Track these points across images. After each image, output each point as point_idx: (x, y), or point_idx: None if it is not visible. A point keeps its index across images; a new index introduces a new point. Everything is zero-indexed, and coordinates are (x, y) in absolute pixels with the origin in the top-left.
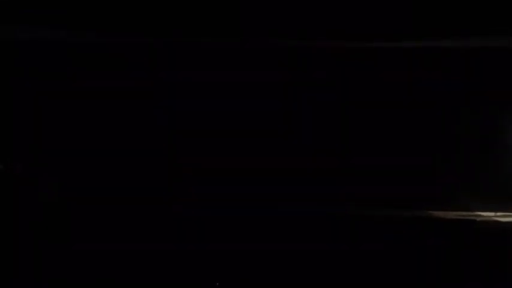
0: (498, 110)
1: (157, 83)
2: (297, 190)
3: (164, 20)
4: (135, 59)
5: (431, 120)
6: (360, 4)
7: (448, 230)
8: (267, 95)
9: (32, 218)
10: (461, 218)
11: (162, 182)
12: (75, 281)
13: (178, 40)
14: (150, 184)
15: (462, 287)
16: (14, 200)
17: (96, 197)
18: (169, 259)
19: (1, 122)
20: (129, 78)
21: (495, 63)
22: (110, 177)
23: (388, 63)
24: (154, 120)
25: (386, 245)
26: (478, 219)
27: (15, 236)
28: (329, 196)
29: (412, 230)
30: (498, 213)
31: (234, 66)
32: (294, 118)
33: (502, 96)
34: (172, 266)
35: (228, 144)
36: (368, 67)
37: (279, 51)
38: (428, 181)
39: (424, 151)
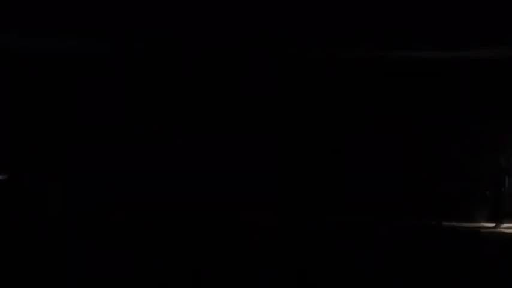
0: (506, 124)
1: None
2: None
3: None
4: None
5: (442, 133)
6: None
7: (453, 239)
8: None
9: (40, 227)
10: (466, 229)
11: (169, 190)
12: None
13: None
14: (158, 193)
15: None
16: (20, 209)
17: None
18: (176, 262)
19: (7, 132)
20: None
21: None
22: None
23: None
24: (159, 132)
25: (391, 251)
26: (483, 230)
27: (20, 243)
28: (340, 205)
29: (418, 239)
30: (502, 225)
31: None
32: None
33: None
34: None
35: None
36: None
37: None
38: (433, 192)
39: (429, 164)
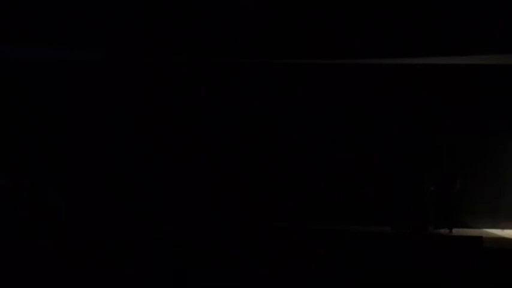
0: (502, 128)
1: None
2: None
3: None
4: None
5: (436, 138)
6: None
7: (455, 246)
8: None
9: (41, 232)
10: (469, 235)
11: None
12: None
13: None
14: (160, 199)
15: None
16: (20, 214)
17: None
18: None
19: (7, 138)
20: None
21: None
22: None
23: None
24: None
25: (393, 260)
26: (485, 236)
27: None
28: (334, 215)
29: (421, 246)
30: (505, 231)
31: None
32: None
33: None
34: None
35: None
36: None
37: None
38: (436, 199)
39: (430, 169)
